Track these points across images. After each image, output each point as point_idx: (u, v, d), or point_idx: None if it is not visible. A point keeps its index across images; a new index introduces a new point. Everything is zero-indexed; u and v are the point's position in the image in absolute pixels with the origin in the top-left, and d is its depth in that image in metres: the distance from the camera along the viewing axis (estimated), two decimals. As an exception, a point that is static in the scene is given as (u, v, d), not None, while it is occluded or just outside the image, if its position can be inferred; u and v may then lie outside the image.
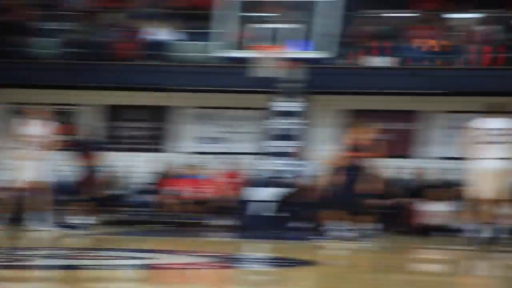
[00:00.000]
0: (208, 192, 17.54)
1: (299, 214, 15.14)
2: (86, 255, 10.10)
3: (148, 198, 17.67)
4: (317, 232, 14.49)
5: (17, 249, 10.28)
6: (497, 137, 11.62)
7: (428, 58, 17.43)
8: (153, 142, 18.42)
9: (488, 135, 11.61)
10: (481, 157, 11.28)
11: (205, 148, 18.46)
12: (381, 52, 17.52)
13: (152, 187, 17.76)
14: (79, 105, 18.62)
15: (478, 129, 11.38)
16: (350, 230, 13.51)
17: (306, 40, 16.03)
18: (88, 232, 14.48)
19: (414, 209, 16.47)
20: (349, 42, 18.02)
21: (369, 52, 17.48)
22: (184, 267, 8.68)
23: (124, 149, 18.49)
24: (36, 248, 10.45)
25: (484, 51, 17.10)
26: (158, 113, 18.46)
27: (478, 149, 11.29)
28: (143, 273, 8.16)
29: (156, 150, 18.45)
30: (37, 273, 7.95)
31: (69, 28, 18.52)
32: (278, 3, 16.68)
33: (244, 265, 9.21)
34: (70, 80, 18.09)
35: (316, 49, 15.88)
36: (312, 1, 15.85)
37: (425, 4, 18.47)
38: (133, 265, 8.83)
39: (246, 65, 16.82)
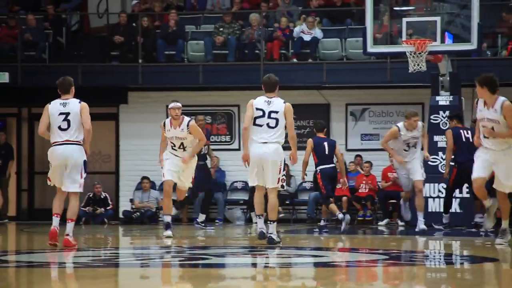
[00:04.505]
0: (368, 188, 17.39)
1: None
2: (254, 253, 10.11)
3: (311, 195, 17.68)
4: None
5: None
6: None
7: None
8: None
9: None
10: None
11: (363, 145, 18.32)
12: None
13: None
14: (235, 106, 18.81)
15: None
16: None
17: (452, 32, 15.70)
18: (251, 230, 14.62)
19: None
20: (497, 33, 17.56)
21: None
22: (358, 264, 8.59)
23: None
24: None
25: None
26: (314, 111, 18.38)
27: None
28: (317, 271, 8.13)
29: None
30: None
31: (217, 30, 18.70)
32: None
33: (419, 262, 8.99)
34: (221, 82, 18.28)
35: (462, 41, 15.51)
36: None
37: None
38: (306, 263, 8.80)
39: (398, 60, 16.65)
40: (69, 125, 10.63)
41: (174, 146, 12.64)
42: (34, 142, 19.07)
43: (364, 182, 17.38)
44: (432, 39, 15.32)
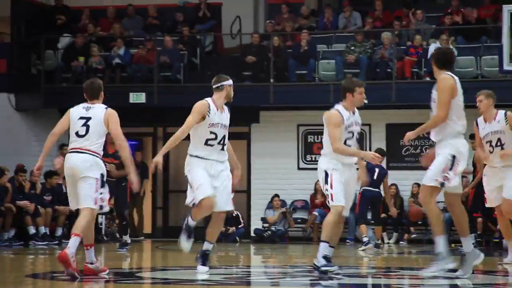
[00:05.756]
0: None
1: None
2: (387, 274, 9.96)
3: (445, 216, 17.40)
4: None
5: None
6: None
7: None
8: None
9: None
10: None
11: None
12: None
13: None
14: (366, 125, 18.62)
15: None
16: None
17: None
18: (383, 250, 14.50)
19: None
20: None
21: None
22: None
23: (406, 167, 18.34)
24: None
25: None
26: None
27: None
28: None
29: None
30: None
31: (348, 49, 18.65)
32: None
33: None
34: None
35: None
36: None
37: None
38: (440, 285, 8.60)
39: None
40: (87, 131, 8.74)
41: (215, 138, 9.11)
42: (168, 161, 19.47)
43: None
44: None
